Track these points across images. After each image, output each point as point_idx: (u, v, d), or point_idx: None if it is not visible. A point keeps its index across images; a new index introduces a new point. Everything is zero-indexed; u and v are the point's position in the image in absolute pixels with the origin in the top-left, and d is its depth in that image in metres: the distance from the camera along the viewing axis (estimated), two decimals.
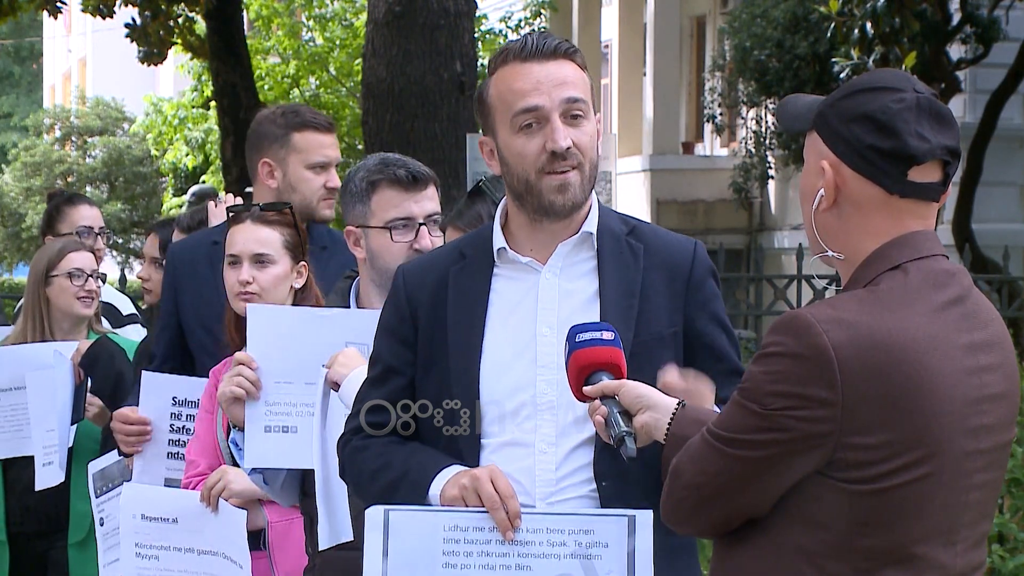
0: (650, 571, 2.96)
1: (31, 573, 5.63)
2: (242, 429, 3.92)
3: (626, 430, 2.83)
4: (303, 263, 4.28)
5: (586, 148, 3.11)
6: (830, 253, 2.68)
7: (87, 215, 6.23)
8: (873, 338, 2.51)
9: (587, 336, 2.94)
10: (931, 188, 2.62)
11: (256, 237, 4.21)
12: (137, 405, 4.74)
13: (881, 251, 2.61)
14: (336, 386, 3.52)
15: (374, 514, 3.01)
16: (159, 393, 4.67)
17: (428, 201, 3.96)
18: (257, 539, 4.14)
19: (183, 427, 4.65)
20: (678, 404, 2.84)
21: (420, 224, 3.94)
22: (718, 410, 2.82)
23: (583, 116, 3.11)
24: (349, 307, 4.02)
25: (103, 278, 5.60)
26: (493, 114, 3.15)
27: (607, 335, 2.93)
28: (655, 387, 2.91)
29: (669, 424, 2.80)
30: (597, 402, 2.90)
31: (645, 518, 2.95)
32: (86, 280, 5.49)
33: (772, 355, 2.54)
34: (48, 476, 5.26)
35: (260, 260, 4.20)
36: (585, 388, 2.91)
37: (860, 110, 2.60)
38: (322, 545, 3.65)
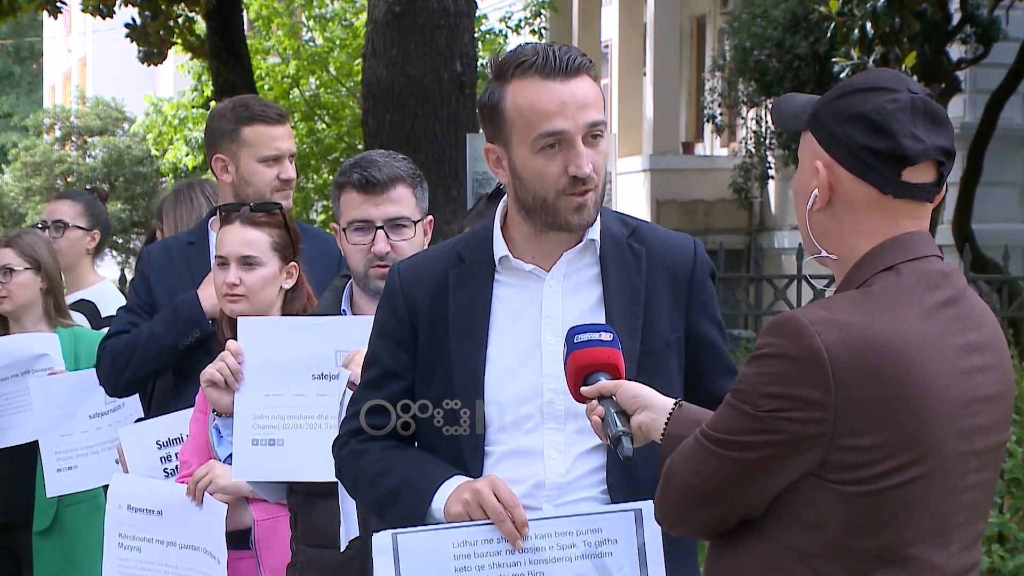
0: (661, 562, 2.98)
1: (3, 564, 5.66)
2: (220, 414, 4.01)
3: (623, 430, 2.84)
4: (293, 264, 4.28)
5: (601, 168, 3.10)
6: (824, 253, 2.68)
7: (49, 209, 6.23)
8: (866, 339, 2.50)
9: (585, 337, 2.94)
10: (925, 188, 2.62)
11: (243, 239, 4.22)
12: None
13: (875, 252, 2.61)
14: (355, 386, 3.52)
15: (382, 539, 3.00)
16: (141, 444, 4.52)
17: (390, 205, 3.91)
18: (244, 538, 4.13)
19: (176, 468, 4.45)
20: (675, 404, 2.84)
21: (378, 227, 3.90)
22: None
23: (601, 136, 3.10)
24: (341, 303, 4.03)
25: (10, 270, 5.58)
26: (508, 127, 3.09)
27: (605, 336, 2.94)
28: (663, 394, 2.90)
29: (666, 424, 2.81)
30: (594, 402, 2.91)
31: (651, 510, 2.95)
32: None
33: (765, 356, 2.54)
34: (65, 482, 5.26)
35: (247, 262, 4.21)
36: (583, 388, 2.92)
37: (854, 110, 2.60)
38: (343, 545, 3.67)
